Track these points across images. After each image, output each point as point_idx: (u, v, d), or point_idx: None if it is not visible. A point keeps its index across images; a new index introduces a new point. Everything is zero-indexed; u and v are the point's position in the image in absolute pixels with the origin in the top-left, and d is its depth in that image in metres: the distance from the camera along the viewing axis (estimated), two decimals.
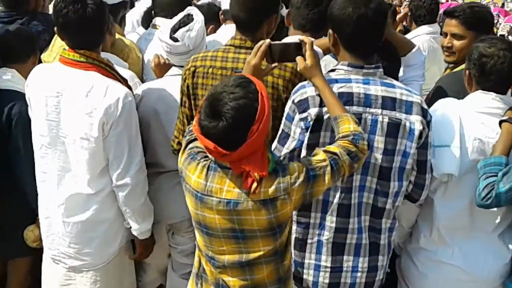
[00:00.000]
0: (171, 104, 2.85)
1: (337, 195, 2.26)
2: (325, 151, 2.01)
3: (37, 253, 3.12)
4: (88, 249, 2.73)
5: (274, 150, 2.29)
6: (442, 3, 6.18)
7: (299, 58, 2.20)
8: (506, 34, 5.18)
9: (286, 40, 2.75)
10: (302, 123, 2.22)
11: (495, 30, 5.25)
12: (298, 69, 2.23)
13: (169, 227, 3.05)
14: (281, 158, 2.26)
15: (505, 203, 2.38)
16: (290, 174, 1.93)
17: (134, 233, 2.77)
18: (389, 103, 2.22)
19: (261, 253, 1.99)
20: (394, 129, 2.22)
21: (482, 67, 2.50)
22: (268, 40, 2.22)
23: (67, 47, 2.65)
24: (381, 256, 2.36)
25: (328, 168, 1.97)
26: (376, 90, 2.23)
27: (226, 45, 2.58)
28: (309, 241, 2.34)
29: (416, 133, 2.22)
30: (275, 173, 1.93)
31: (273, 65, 2.25)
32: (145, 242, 2.84)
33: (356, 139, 2.03)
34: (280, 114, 2.42)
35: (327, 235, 2.30)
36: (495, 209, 2.45)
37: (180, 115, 2.67)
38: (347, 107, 2.18)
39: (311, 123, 2.20)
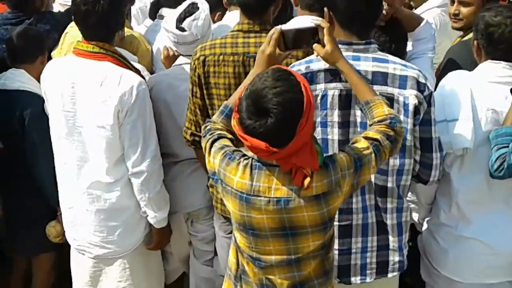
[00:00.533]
0: (181, 94, 2.85)
1: None
2: (366, 138, 1.95)
3: (60, 248, 3.17)
4: (112, 237, 2.76)
5: None
6: None
7: (316, 46, 2.12)
8: None
9: (298, 23, 2.72)
10: None
11: None
12: (316, 56, 2.16)
13: (187, 215, 3.07)
14: None
15: None
16: (340, 166, 1.86)
17: (151, 221, 2.80)
18: (380, 78, 2.18)
19: (311, 248, 1.93)
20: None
21: (490, 36, 2.46)
22: (279, 27, 2.13)
23: (76, 43, 2.69)
24: (391, 236, 2.31)
25: (372, 155, 1.92)
26: (367, 65, 2.19)
27: (233, 31, 2.57)
28: None
29: (411, 108, 2.17)
30: (325, 166, 1.85)
31: (287, 52, 2.18)
32: (162, 231, 2.86)
33: (394, 123, 1.98)
34: None
35: None
36: None
37: (192, 105, 2.67)
38: (333, 84, 2.17)
39: None
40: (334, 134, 2.22)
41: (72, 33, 3.32)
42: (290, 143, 1.75)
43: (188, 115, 2.71)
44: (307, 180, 1.80)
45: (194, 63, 2.59)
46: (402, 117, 2.16)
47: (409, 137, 2.20)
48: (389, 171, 2.23)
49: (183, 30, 2.81)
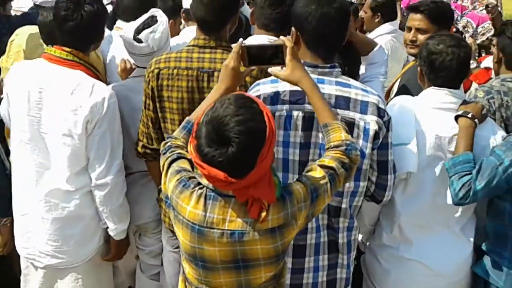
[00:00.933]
0: (135, 106, 2.84)
1: None
2: (321, 166, 1.90)
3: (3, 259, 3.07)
4: (66, 247, 2.72)
5: None
6: None
7: (273, 69, 2.11)
8: (462, 29, 5.30)
9: (256, 42, 2.75)
10: None
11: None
12: (276, 75, 2.13)
13: (136, 228, 3.05)
14: None
15: (481, 197, 2.45)
16: (296, 198, 1.81)
17: (111, 233, 2.77)
18: (343, 102, 2.22)
19: (263, 279, 1.88)
20: (347, 128, 2.17)
21: (432, 64, 2.55)
22: (240, 41, 2.11)
23: (47, 47, 2.68)
24: (341, 254, 2.36)
25: (328, 185, 1.88)
26: (331, 89, 2.22)
27: (189, 46, 2.58)
28: None
29: (371, 133, 2.21)
30: (282, 199, 1.80)
31: (250, 68, 2.16)
32: (120, 243, 2.85)
33: (349, 150, 1.94)
34: None
35: None
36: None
37: (144, 118, 2.67)
38: (298, 106, 2.19)
39: None
40: (295, 154, 2.24)
41: (18, 41, 3.28)
42: (250, 173, 1.69)
43: (140, 127, 2.70)
44: (264, 213, 1.75)
45: (148, 76, 2.59)
46: (361, 142, 2.21)
47: (366, 161, 2.25)
48: (344, 192, 2.27)
49: (140, 41, 2.81)
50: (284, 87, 2.21)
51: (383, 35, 4.50)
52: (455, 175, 2.42)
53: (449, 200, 2.48)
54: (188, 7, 3.45)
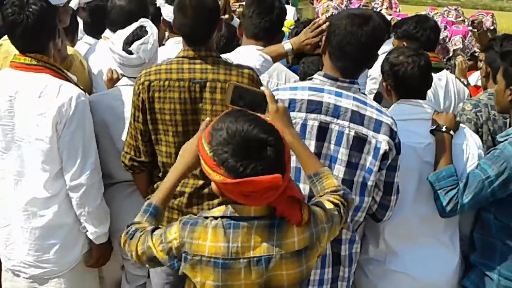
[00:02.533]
0: (120, 115, 2.82)
1: None
2: (329, 201, 1.85)
3: None
4: (48, 256, 2.68)
5: None
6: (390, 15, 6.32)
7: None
8: (459, 48, 5.36)
9: (245, 57, 2.76)
10: None
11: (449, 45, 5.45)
12: None
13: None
14: None
15: (467, 210, 2.52)
16: (319, 218, 1.76)
17: (91, 237, 2.74)
18: (358, 118, 2.26)
19: None
20: (359, 143, 2.25)
21: (395, 75, 2.60)
22: (207, 120, 1.89)
23: (13, 56, 2.64)
24: (342, 267, 2.38)
25: (337, 218, 1.83)
26: (348, 103, 2.26)
27: (178, 57, 2.57)
28: None
29: (381, 152, 2.25)
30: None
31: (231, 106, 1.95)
32: (102, 247, 2.81)
33: (346, 194, 1.92)
34: None
35: None
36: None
37: (132, 130, 2.63)
38: (314, 115, 2.22)
39: None
40: None
41: (5, 47, 3.23)
42: (286, 173, 1.64)
43: (128, 140, 2.67)
44: (306, 212, 1.68)
45: (138, 88, 2.56)
46: (370, 158, 2.25)
47: (372, 178, 2.28)
48: None
49: (130, 53, 2.79)
50: (302, 95, 2.26)
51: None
52: (441, 190, 2.47)
53: (432, 211, 2.53)
54: (167, 18, 3.46)
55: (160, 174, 2.67)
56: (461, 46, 5.61)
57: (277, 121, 1.91)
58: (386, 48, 4.04)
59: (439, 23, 5.90)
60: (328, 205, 1.83)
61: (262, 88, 2.08)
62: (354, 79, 2.32)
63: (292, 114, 2.19)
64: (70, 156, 2.60)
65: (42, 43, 2.61)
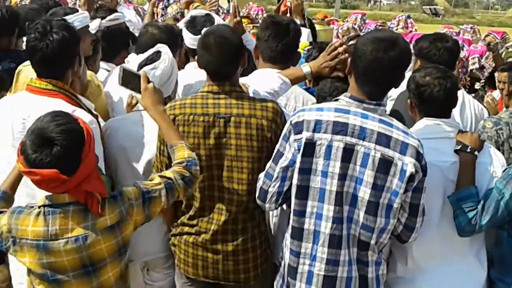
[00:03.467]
0: (139, 140, 2.83)
1: (329, 225, 2.29)
2: (160, 176, 2.22)
3: None
4: None
5: (268, 169, 2.38)
6: (405, 34, 6.34)
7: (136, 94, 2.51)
8: (476, 68, 5.37)
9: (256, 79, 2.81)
10: (296, 144, 2.29)
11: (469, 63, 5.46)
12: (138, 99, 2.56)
13: (144, 263, 3.00)
14: (275, 176, 2.34)
15: (486, 229, 2.51)
16: (127, 196, 2.11)
17: None
18: (384, 140, 2.25)
19: (112, 280, 2.11)
20: (385, 165, 2.24)
21: (421, 96, 2.59)
22: (123, 65, 2.45)
23: (29, 80, 2.68)
24: None
25: (163, 191, 2.18)
26: (373, 125, 2.26)
27: (203, 92, 2.59)
28: (299, 270, 2.36)
29: (407, 174, 2.24)
30: (114, 198, 2.08)
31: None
32: None
33: (189, 166, 2.27)
34: (265, 154, 2.50)
35: (318, 266, 2.32)
36: None
37: (158, 163, 2.65)
38: (339, 137, 2.24)
39: (301, 145, 2.27)
40: (332, 185, 2.27)
41: (25, 72, 3.28)
42: (79, 168, 1.93)
43: (153, 172, 2.68)
44: (96, 205, 1.99)
45: None
46: (396, 181, 2.24)
47: (398, 200, 2.27)
48: (374, 228, 2.29)
49: None
50: (328, 116, 2.27)
51: None
52: (460, 210, 2.46)
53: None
54: (188, 44, 3.47)
55: (183, 207, 2.67)
56: (477, 65, 5.62)
57: (146, 99, 2.48)
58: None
59: None
60: (155, 181, 2.20)
61: (140, 72, 2.59)
62: (380, 101, 2.33)
63: (317, 135, 2.24)
64: None
65: (59, 70, 2.64)
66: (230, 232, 2.61)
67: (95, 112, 2.92)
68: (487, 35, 6.64)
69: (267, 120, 2.52)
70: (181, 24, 3.61)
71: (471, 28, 7.36)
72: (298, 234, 2.34)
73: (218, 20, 3.54)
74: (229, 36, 2.56)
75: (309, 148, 2.27)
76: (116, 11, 4.73)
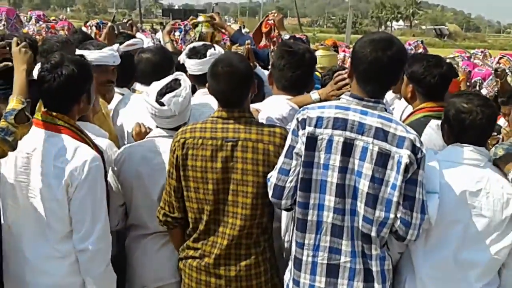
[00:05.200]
0: (155, 167, 2.86)
1: (330, 215, 2.37)
2: None
3: None
4: None
5: (281, 165, 2.43)
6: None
7: None
8: (476, 90, 5.38)
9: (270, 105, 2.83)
10: (304, 138, 2.38)
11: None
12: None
13: None
14: (292, 170, 2.41)
15: None
16: None
17: None
18: (382, 134, 2.33)
19: None
20: (383, 159, 2.32)
21: (461, 122, 2.59)
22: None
23: (36, 113, 2.67)
24: (377, 284, 2.40)
25: None
26: (372, 121, 2.35)
27: (213, 117, 2.63)
28: (303, 261, 2.43)
29: (403, 166, 2.29)
30: None
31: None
32: None
33: (6, 116, 2.37)
34: None
35: (321, 255, 2.40)
36: (479, 260, 2.51)
37: (167, 186, 2.69)
38: (339, 131, 2.34)
39: (304, 139, 2.36)
40: (333, 177, 2.37)
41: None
42: None
43: (163, 195, 2.72)
44: None
45: (174, 145, 2.63)
46: (394, 173, 2.32)
47: (396, 193, 2.32)
48: (374, 221, 2.35)
49: (162, 104, 2.83)
50: (329, 113, 2.38)
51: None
52: None
53: (473, 257, 2.51)
54: (191, 71, 3.52)
55: (190, 230, 2.70)
56: (477, 88, 5.64)
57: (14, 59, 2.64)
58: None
59: (460, 65, 5.95)
60: None
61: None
62: (380, 99, 2.41)
63: (319, 130, 2.36)
64: (78, 219, 2.57)
65: (64, 104, 2.63)
66: (233, 257, 2.62)
67: (107, 141, 2.94)
68: (501, 58, 6.62)
69: (274, 145, 2.55)
70: (182, 57, 3.63)
71: (481, 52, 7.37)
72: (302, 226, 2.43)
73: (218, 49, 3.60)
74: (238, 64, 2.61)
75: (312, 142, 2.37)
76: (135, 37, 4.80)
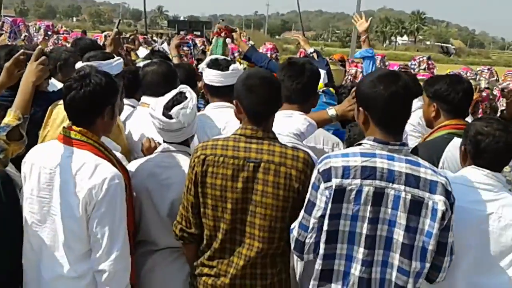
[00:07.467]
0: (163, 182, 2.84)
1: (358, 267, 2.29)
2: None
3: None
4: None
5: (301, 219, 2.36)
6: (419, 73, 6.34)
7: None
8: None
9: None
10: (327, 192, 2.28)
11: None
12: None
13: None
14: (310, 227, 2.32)
15: None
16: None
17: None
18: (413, 180, 2.26)
19: None
20: (416, 206, 2.25)
21: (478, 144, 2.58)
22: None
23: (62, 129, 2.66)
24: None
25: None
26: (401, 166, 2.27)
27: (235, 134, 2.60)
28: None
29: (439, 213, 2.23)
30: None
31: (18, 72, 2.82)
32: None
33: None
34: (291, 204, 2.50)
35: None
36: (491, 285, 2.49)
37: (185, 201, 2.65)
38: (369, 181, 2.24)
39: (332, 192, 2.27)
40: (363, 228, 2.28)
41: (57, 110, 3.32)
42: None
43: (180, 210, 2.69)
44: None
45: (194, 161, 2.59)
46: (428, 221, 2.25)
47: (432, 241, 2.26)
48: (410, 272, 2.28)
49: (170, 117, 2.82)
50: (355, 162, 2.29)
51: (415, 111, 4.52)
52: None
53: (483, 281, 2.49)
54: (208, 81, 3.55)
55: (203, 246, 2.66)
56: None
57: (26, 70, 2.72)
58: (418, 104, 4.07)
59: (483, 86, 5.94)
60: None
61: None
62: (401, 137, 2.35)
63: (347, 181, 2.25)
64: (97, 239, 2.53)
65: (87, 117, 2.61)
66: (249, 276, 2.58)
67: (119, 155, 2.91)
68: (506, 75, 6.59)
69: (296, 170, 2.51)
70: (202, 66, 3.67)
71: (488, 69, 7.34)
72: (326, 276, 2.34)
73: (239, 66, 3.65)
74: (271, 77, 2.62)
75: (339, 194, 2.27)
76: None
